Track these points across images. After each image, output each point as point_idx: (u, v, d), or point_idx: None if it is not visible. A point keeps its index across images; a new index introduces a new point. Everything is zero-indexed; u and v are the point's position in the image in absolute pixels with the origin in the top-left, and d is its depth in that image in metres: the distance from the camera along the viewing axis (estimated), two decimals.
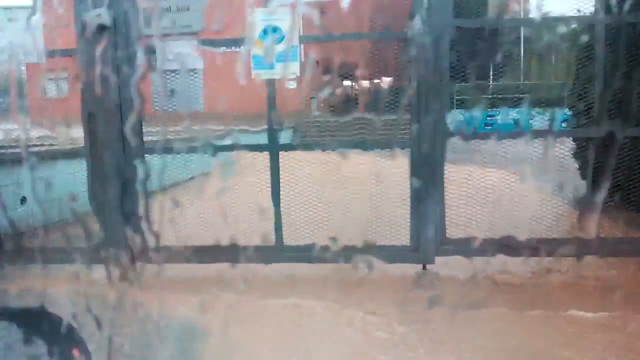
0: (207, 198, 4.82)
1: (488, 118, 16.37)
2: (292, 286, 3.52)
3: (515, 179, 4.28)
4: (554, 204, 4.03)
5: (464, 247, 3.54)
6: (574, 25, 5.28)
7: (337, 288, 3.39)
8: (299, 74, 3.79)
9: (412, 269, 3.70)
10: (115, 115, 3.71)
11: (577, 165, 5.02)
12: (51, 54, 3.94)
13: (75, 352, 1.08)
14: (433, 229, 3.60)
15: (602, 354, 2.58)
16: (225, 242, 3.76)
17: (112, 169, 3.76)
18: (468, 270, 3.54)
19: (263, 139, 3.90)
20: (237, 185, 5.23)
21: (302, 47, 3.89)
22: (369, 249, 3.63)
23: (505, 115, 16.21)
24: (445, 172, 3.61)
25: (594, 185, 3.63)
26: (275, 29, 3.71)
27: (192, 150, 4.03)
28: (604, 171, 3.61)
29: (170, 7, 3.72)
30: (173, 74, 3.79)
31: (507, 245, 3.46)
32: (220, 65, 4.08)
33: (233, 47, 3.88)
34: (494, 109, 16.45)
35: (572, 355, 2.55)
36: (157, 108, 3.84)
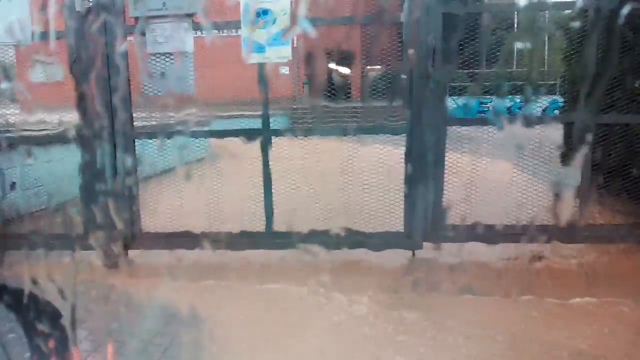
0: (198, 184, 4.80)
1: (481, 105, 16.40)
2: (282, 272, 3.51)
3: (507, 166, 4.28)
4: (543, 191, 4.05)
5: (453, 233, 3.55)
6: (567, 11, 5.26)
7: (328, 274, 3.40)
8: (290, 58, 3.74)
9: (403, 254, 3.71)
10: (105, 98, 3.67)
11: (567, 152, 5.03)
12: (41, 36, 3.86)
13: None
14: (425, 216, 3.60)
15: (589, 339, 2.60)
16: (214, 228, 3.75)
17: (102, 154, 3.72)
18: (459, 256, 3.56)
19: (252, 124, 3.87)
20: (228, 171, 5.21)
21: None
22: (362, 234, 3.63)
23: (498, 103, 16.25)
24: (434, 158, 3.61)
25: (581, 172, 3.65)
26: (266, 12, 3.66)
27: (181, 135, 3.98)
28: (594, 159, 3.63)
29: None
30: (163, 57, 3.74)
31: (497, 232, 3.48)
32: (212, 48, 4.04)
33: (225, 31, 3.83)
34: (487, 96, 16.48)
35: (558, 340, 2.57)
36: (147, 92, 3.79)
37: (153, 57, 3.71)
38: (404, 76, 3.63)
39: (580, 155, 3.68)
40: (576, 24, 4.45)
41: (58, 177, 5.26)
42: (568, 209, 3.76)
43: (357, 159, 4.09)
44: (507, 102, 16.38)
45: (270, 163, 3.79)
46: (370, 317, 2.84)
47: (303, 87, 17.89)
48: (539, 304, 2.95)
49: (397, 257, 3.68)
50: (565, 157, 4.90)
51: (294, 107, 15.09)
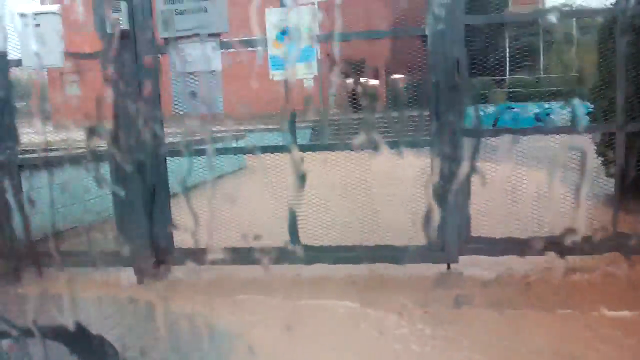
0: (227, 199, 4.84)
1: (508, 112, 16.19)
2: (313, 287, 3.51)
3: (539, 176, 4.21)
4: (575, 201, 3.96)
5: (488, 246, 3.50)
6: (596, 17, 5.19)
7: (361, 289, 3.39)
8: (316, 74, 3.78)
9: (435, 268, 3.67)
10: (136, 117, 3.75)
11: (600, 161, 4.92)
12: (72, 57, 3.99)
13: None
14: (456, 228, 3.56)
15: (630, 353, 2.53)
16: (243, 243, 3.78)
17: (134, 172, 3.79)
18: (492, 270, 3.51)
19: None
20: (256, 185, 5.25)
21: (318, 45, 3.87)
22: (393, 248, 3.62)
23: (525, 110, 16.05)
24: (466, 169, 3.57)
25: (621, 181, 3.57)
26: (292, 30, 3.71)
27: (208, 153, 4.05)
28: (631, 167, 3.55)
29: (187, 8, 3.75)
30: (193, 76, 3.81)
31: (532, 244, 3.42)
32: (238, 66, 4.11)
33: (250, 48, 3.89)
34: (514, 103, 16.29)
35: (601, 357, 2.51)
36: (177, 110, 3.87)
37: (182, 77, 3.79)
38: (428, 87, 3.63)
39: (613, 164, 3.61)
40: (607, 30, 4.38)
41: (90, 195, 5.38)
42: (603, 219, 3.68)
43: (385, 170, 4.07)
44: (535, 109, 16.20)
45: (297, 177, 3.80)
46: (407, 333, 2.82)
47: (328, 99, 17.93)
48: (577, 317, 2.88)
49: (429, 271, 3.64)
50: (597, 166, 4.79)
51: (319, 119, 15.15)
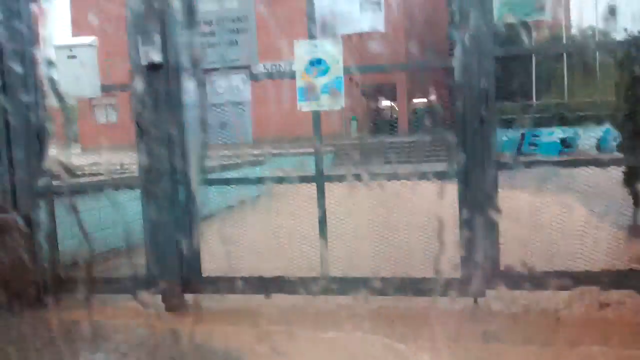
0: (252, 226, 4.88)
1: (532, 137, 16.06)
2: (340, 319, 3.50)
3: (569, 205, 4.17)
4: (610, 233, 3.90)
5: (517, 280, 3.45)
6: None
7: (388, 322, 3.36)
8: (343, 105, 3.82)
9: (462, 302, 3.63)
10: (169, 147, 3.82)
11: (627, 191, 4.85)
12: (107, 89, 4.11)
13: None
14: (484, 261, 3.53)
15: None
16: (271, 273, 3.80)
17: (164, 199, 3.85)
18: (521, 304, 3.46)
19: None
20: (282, 213, 5.28)
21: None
22: (417, 281, 3.60)
23: (550, 135, 15.91)
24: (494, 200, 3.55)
25: None
26: (320, 61, 3.78)
27: (238, 182, 4.12)
28: None
29: (218, 42, 3.85)
30: (223, 107, 3.90)
31: (565, 277, 3.37)
32: (267, 97, 4.19)
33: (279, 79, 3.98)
34: (539, 129, 16.15)
35: None
36: (209, 140, 3.95)
37: (213, 108, 3.88)
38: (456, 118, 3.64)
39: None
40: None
41: (117, 222, 5.47)
42: (634, 251, 3.62)
43: (411, 198, 4.07)
44: (560, 134, 16.05)
45: (324, 206, 3.83)
46: None
47: (350, 123, 18.08)
48: (608, 354, 2.82)
49: (457, 304, 3.60)
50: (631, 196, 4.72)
51: (343, 142, 15.24)
